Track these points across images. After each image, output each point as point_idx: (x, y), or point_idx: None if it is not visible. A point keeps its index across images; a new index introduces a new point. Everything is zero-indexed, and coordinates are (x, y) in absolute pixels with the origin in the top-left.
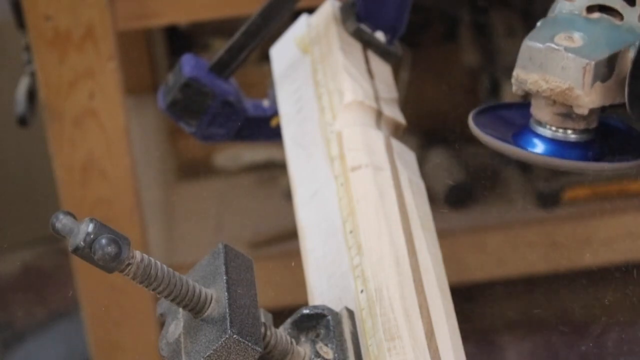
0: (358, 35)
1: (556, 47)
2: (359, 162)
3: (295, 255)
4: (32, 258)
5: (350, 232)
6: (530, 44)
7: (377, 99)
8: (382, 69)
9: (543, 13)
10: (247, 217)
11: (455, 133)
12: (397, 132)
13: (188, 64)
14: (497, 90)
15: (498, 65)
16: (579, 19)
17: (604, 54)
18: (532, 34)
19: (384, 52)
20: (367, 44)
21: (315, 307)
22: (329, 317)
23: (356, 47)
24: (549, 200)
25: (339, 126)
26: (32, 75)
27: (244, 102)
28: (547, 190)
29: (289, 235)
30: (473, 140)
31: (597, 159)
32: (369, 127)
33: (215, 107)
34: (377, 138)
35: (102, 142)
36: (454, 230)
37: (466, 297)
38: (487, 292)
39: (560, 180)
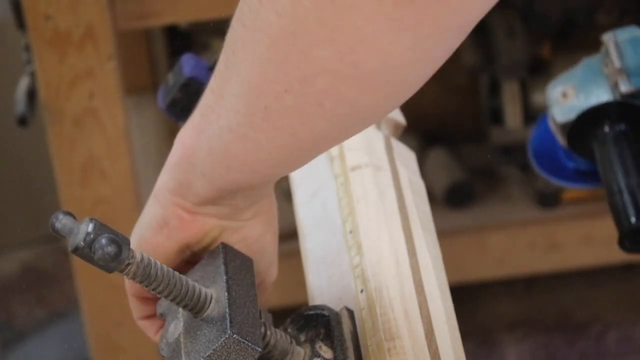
0: None
1: (550, 100)
2: (359, 161)
3: (295, 255)
4: (32, 258)
5: (350, 232)
6: (548, 88)
7: None
8: None
9: (543, 13)
10: None
11: (455, 133)
12: (397, 132)
13: (188, 63)
14: (497, 90)
15: (498, 65)
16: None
17: (572, 116)
18: (560, 77)
19: None
20: None
21: (315, 307)
22: (329, 317)
23: None
24: (549, 200)
25: None
26: (32, 75)
27: None
28: (547, 190)
29: (289, 235)
30: (473, 140)
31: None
32: (371, 128)
33: None
34: (377, 138)
35: (102, 142)
36: (454, 230)
37: (466, 297)
38: (487, 292)
39: None
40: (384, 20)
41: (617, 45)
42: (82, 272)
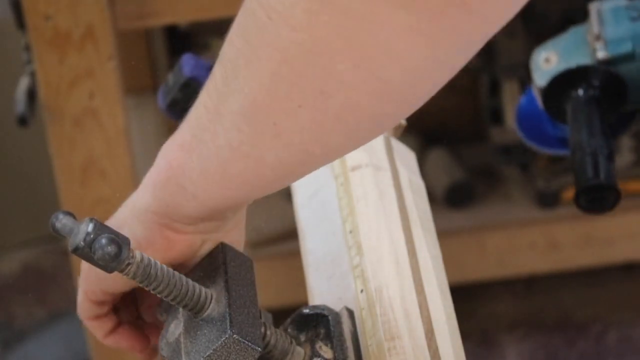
0: None
1: (534, 65)
2: (359, 161)
3: (295, 255)
4: (32, 258)
5: (350, 231)
6: (533, 54)
7: None
8: None
9: (543, 13)
10: (247, 217)
11: (455, 133)
12: (397, 132)
13: (188, 63)
14: (497, 90)
15: (498, 65)
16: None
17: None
18: (546, 43)
19: None
20: None
21: (315, 306)
22: (329, 317)
23: None
24: (549, 200)
25: None
26: (32, 75)
27: None
28: (547, 190)
29: (289, 235)
30: (473, 140)
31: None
32: None
33: None
34: (377, 138)
35: (102, 142)
36: (454, 230)
37: (466, 297)
38: (487, 292)
39: (560, 180)
40: (406, 31)
41: (600, 13)
42: None
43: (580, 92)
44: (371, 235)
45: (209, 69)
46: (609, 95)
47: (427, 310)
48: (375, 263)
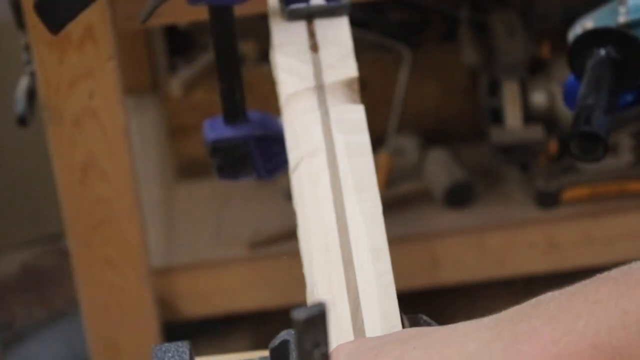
0: (295, 16)
1: (571, 33)
2: (297, 160)
3: (295, 255)
4: (32, 258)
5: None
6: (574, 25)
7: (317, 74)
8: (332, 31)
9: (543, 13)
10: (247, 217)
11: (455, 133)
12: (352, 86)
13: (206, 128)
14: (497, 90)
15: (498, 65)
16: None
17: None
18: (584, 16)
19: (331, 12)
20: (309, 17)
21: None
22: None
23: (300, 26)
24: (549, 200)
25: (284, 124)
26: (32, 75)
27: (275, 125)
28: (547, 190)
29: (289, 235)
30: (473, 140)
31: None
32: (307, 112)
33: (254, 148)
34: (314, 121)
35: (102, 142)
36: (454, 230)
37: (466, 297)
38: (487, 292)
39: (560, 180)
40: None
41: None
42: (82, 272)
43: (602, 52)
44: (308, 228)
45: (224, 121)
46: (632, 61)
47: (356, 290)
48: (313, 260)
